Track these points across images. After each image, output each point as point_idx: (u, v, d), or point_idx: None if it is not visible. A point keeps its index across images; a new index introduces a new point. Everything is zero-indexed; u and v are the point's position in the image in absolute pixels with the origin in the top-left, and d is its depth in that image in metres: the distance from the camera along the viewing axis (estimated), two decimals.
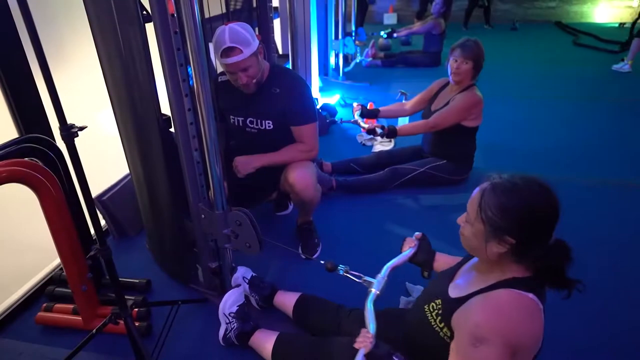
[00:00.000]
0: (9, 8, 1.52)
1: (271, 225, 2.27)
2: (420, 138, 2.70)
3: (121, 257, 1.97)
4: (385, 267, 1.31)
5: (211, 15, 1.96)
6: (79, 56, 2.00)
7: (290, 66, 3.54)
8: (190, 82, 1.33)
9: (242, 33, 1.60)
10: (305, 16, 3.47)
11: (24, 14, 1.02)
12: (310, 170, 1.86)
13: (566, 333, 1.50)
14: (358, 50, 5.89)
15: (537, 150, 3.13)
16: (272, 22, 2.41)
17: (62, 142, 1.19)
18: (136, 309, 1.62)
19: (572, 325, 1.54)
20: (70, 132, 1.16)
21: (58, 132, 1.16)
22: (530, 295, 0.91)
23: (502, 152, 3.09)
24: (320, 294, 1.61)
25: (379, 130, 2.46)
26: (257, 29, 2.32)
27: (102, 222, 2.11)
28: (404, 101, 2.86)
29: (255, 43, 1.64)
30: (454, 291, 1.06)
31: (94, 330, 1.42)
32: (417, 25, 5.64)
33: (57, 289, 1.76)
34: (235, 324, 1.50)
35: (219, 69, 1.88)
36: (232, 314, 1.52)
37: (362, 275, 1.30)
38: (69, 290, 1.60)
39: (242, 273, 1.72)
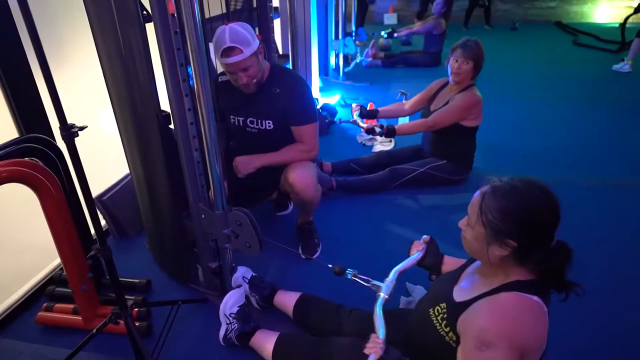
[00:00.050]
0: (9, 8, 1.52)
1: (271, 225, 2.27)
2: (420, 138, 2.70)
3: (121, 257, 1.97)
4: (393, 271, 1.30)
5: (211, 15, 1.96)
6: (79, 56, 2.00)
7: (290, 66, 3.54)
8: (191, 82, 1.33)
9: (243, 33, 1.60)
10: (306, 16, 3.47)
11: (24, 14, 1.02)
12: (310, 170, 1.86)
13: (566, 333, 1.50)
14: (358, 51, 5.89)
15: (537, 150, 3.13)
16: (272, 22, 2.41)
17: (62, 142, 1.19)
18: (136, 309, 1.62)
19: (572, 326, 1.54)
20: (70, 132, 1.16)
21: (58, 132, 1.16)
22: (535, 297, 0.91)
23: (502, 152, 3.09)
24: (320, 294, 1.61)
25: (378, 130, 2.47)
26: (257, 29, 2.32)
27: (103, 222, 2.11)
28: (404, 101, 2.85)
29: (256, 43, 1.64)
30: (458, 295, 1.06)
31: (94, 330, 1.42)
32: (417, 25, 5.64)
33: (57, 288, 1.76)
34: (235, 325, 1.50)
35: (219, 69, 1.88)
36: (233, 315, 1.52)
37: (370, 279, 1.30)
38: (69, 290, 1.60)
39: (242, 273, 1.72)
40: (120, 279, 1.43)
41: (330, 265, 1.38)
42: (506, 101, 4.22)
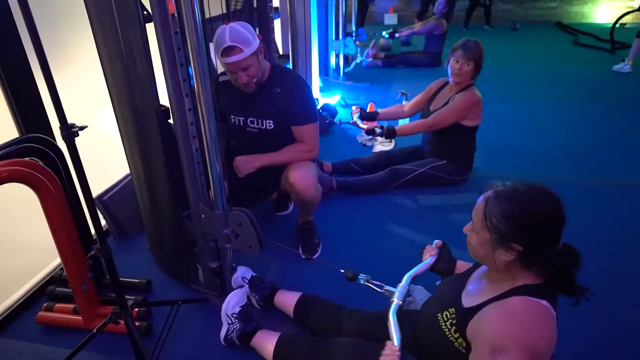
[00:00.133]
0: (9, 8, 1.52)
1: (271, 225, 2.27)
2: (420, 138, 2.70)
3: (122, 257, 1.97)
4: (406, 276, 1.30)
5: (211, 15, 1.96)
6: (79, 56, 2.01)
7: (290, 66, 3.54)
8: (191, 82, 1.33)
9: (243, 32, 1.60)
10: (306, 16, 3.48)
11: (24, 14, 1.02)
12: (311, 170, 1.86)
13: (566, 333, 1.49)
14: (358, 51, 5.89)
15: (537, 150, 3.12)
16: (273, 23, 2.41)
17: (62, 141, 1.19)
18: (136, 309, 1.62)
19: (572, 326, 1.54)
20: (70, 132, 1.16)
21: (58, 131, 1.16)
22: (544, 302, 0.91)
23: (502, 152, 3.09)
24: (320, 294, 1.61)
25: (378, 131, 2.47)
26: (257, 29, 2.32)
27: (103, 222, 2.11)
28: (404, 102, 2.86)
29: (256, 42, 1.64)
30: (466, 299, 1.05)
31: (95, 330, 1.42)
32: (418, 26, 5.64)
33: (57, 288, 1.76)
34: (237, 325, 1.50)
35: (220, 69, 1.88)
36: (235, 315, 1.52)
37: (383, 284, 1.29)
38: (70, 290, 1.60)
39: (242, 273, 1.72)
40: (120, 278, 1.43)
41: (342, 271, 1.38)
42: (506, 101, 4.22)
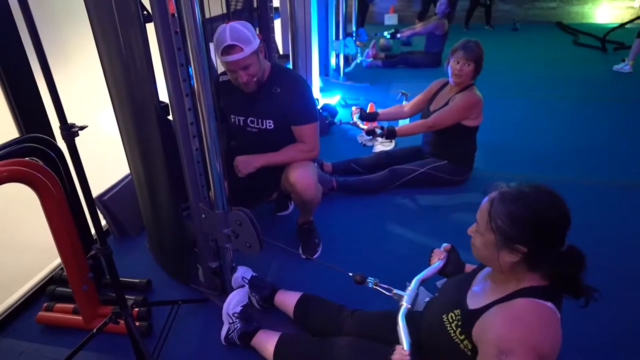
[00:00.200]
0: (10, 8, 1.52)
1: (271, 225, 2.27)
2: (420, 138, 2.70)
3: (122, 257, 1.97)
4: (415, 280, 1.29)
5: (212, 15, 1.96)
6: (79, 56, 2.01)
7: (290, 66, 3.54)
8: (191, 82, 1.33)
9: (243, 31, 1.60)
10: (306, 16, 3.48)
11: (24, 13, 1.02)
12: (311, 170, 1.86)
13: (567, 333, 1.50)
14: (359, 51, 5.89)
15: (538, 150, 3.12)
16: (273, 23, 2.41)
17: (62, 141, 1.19)
18: (137, 309, 1.62)
19: (572, 326, 1.54)
20: (70, 132, 1.16)
21: (59, 131, 1.16)
22: (549, 304, 0.91)
23: (503, 152, 3.09)
24: (320, 294, 1.60)
25: (378, 131, 2.47)
26: (257, 29, 2.33)
27: (103, 222, 2.11)
28: (404, 102, 2.85)
29: (256, 41, 1.64)
30: (472, 301, 1.05)
31: (95, 330, 1.43)
32: (420, 26, 5.63)
33: (57, 288, 1.76)
34: (238, 324, 1.50)
35: (220, 69, 1.88)
36: (236, 314, 1.52)
37: (392, 288, 1.29)
38: (70, 290, 1.60)
39: (242, 273, 1.72)
40: (120, 278, 1.42)
41: (350, 274, 1.37)
42: (506, 101, 4.22)
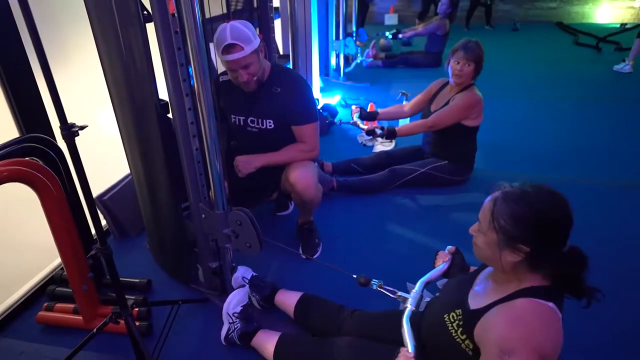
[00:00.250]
0: (10, 7, 1.52)
1: (272, 225, 2.27)
2: (420, 138, 2.70)
3: (122, 257, 1.97)
4: (419, 282, 1.29)
5: (212, 15, 1.96)
6: (79, 56, 2.01)
7: (290, 66, 3.54)
8: (191, 82, 1.33)
9: (244, 30, 1.60)
10: (306, 16, 3.48)
11: (25, 13, 1.02)
12: (311, 170, 1.86)
13: (568, 333, 1.49)
14: (359, 51, 5.89)
15: (538, 150, 3.12)
16: (273, 23, 2.41)
17: (62, 141, 1.19)
18: (137, 309, 1.62)
19: (573, 326, 1.54)
20: (70, 132, 1.16)
21: (59, 131, 1.16)
22: (550, 304, 0.91)
23: (503, 152, 3.09)
24: (320, 294, 1.60)
25: (378, 131, 2.47)
26: (258, 29, 2.33)
27: (103, 221, 2.11)
28: (404, 102, 2.85)
29: (257, 41, 1.64)
30: (473, 301, 1.05)
31: (95, 330, 1.43)
32: (422, 26, 5.63)
33: (57, 288, 1.76)
34: (238, 324, 1.50)
35: (220, 69, 1.88)
36: (236, 314, 1.52)
37: (396, 290, 1.28)
38: (70, 290, 1.60)
39: (242, 273, 1.72)
40: (120, 278, 1.42)
41: (355, 276, 1.37)
42: (507, 101, 4.22)
